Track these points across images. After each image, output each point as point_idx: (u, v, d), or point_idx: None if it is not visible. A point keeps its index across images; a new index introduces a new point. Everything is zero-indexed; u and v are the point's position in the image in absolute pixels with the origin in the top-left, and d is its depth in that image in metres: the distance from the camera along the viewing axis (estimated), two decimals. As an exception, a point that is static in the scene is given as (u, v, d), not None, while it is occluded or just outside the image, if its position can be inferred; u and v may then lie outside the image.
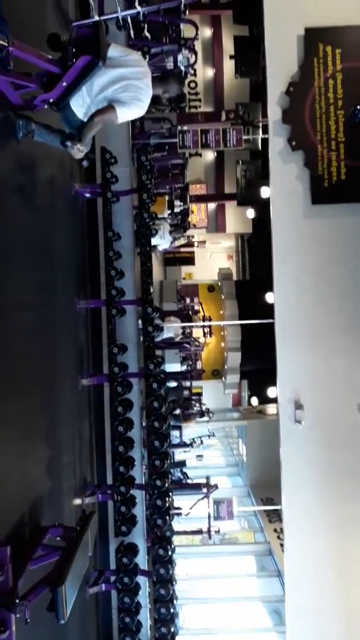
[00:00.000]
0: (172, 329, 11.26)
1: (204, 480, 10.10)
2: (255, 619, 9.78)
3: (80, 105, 3.93)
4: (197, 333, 13.54)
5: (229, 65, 15.66)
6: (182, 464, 11.34)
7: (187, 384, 12.25)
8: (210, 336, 13.58)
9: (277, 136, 7.87)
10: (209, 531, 10.13)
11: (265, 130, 9.70)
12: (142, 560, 6.52)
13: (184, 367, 12.00)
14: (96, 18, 6.11)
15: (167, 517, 6.47)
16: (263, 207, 10.49)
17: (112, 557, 6.56)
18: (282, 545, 8.82)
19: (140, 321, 7.26)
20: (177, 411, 11.00)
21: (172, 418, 9.57)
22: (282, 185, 7.87)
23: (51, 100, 3.82)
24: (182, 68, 8.50)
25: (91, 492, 6.17)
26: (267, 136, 8.37)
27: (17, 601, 3.13)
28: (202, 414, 12.28)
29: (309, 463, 7.66)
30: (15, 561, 3.26)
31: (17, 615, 3.14)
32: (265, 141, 10.27)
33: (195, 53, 8.96)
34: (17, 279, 4.02)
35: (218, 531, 10.39)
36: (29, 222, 4.42)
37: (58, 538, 4.05)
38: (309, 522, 7.69)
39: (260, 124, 11.32)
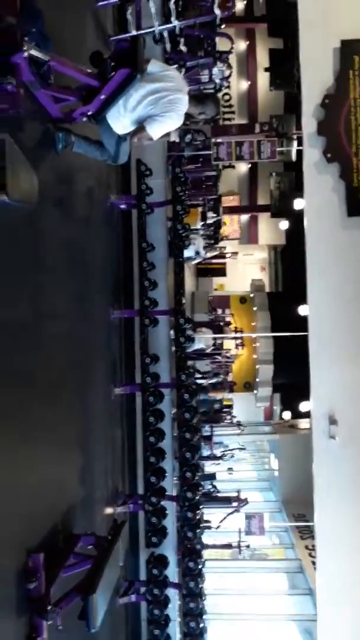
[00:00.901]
0: (203, 340, 11.25)
1: (234, 494, 10.00)
2: (285, 637, 9.57)
3: (117, 118, 4.00)
4: (229, 345, 13.50)
5: (263, 78, 15.72)
6: (212, 476, 11.25)
7: (219, 396, 12.20)
8: (242, 348, 13.51)
9: (312, 148, 7.83)
10: (239, 546, 10.01)
11: (300, 142, 9.68)
12: (172, 572, 6.46)
13: (215, 379, 11.96)
14: (134, 32, 6.22)
15: (198, 530, 6.42)
16: (297, 219, 10.44)
17: (143, 568, 6.53)
18: (314, 562, 8.64)
19: (172, 332, 7.27)
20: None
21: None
22: (317, 197, 7.81)
23: (90, 113, 3.90)
24: (217, 81, 8.56)
25: (122, 501, 6.17)
26: (301, 148, 8.34)
27: (49, 608, 3.14)
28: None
29: (343, 479, 7.49)
30: (48, 568, 3.28)
31: (50, 622, 3.15)
32: (299, 153, 10.25)
33: (230, 66, 9.02)
34: (54, 288, 4.09)
35: (248, 546, 10.26)
36: (66, 233, 4.50)
37: (90, 547, 4.05)
38: (343, 540, 7.51)
39: (295, 136, 11.31)
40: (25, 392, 3.36)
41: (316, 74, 7.75)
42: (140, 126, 4.04)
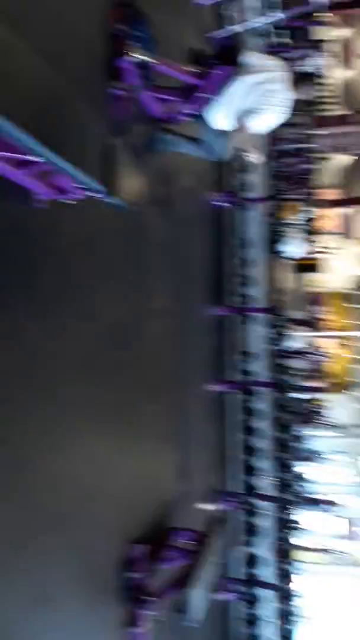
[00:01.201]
0: (298, 338, 11.00)
1: (328, 497, 9.72)
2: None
3: (217, 114, 3.97)
4: (325, 343, 13.09)
5: (365, 66, 15.01)
6: (299, 477, 10.98)
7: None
8: (341, 347, 13.07)
9: None
10: (333, 550, 9.73)
11: None
12: (265, 573, 6.40)
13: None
14: (234, 27, 6.17)
15: (292, 531, 6.32)
16: None
17: (235, 566, 6.52)
18: None
19: (267, 329, 7.16)
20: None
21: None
22: None
23: (191, 112, 3.91)
24: (318, 71, 8.30)
25: (217, 499, 6.19)
26: None
27: (150, 599, 3.22)
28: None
29: None
30: (149, 560, 3.35)
31: (151, 613, 3.22)
32: None
33: (332, 55, 8.71)
34: (155, 286, 4.16)
35: (343, 551, 9.95)
36: (166, 230, 4.56)
37: (186, 541, 4.09)
38: None
39: None
40: (128, 389, 3.45)
41: None
42: (239, 121, 3.98)
